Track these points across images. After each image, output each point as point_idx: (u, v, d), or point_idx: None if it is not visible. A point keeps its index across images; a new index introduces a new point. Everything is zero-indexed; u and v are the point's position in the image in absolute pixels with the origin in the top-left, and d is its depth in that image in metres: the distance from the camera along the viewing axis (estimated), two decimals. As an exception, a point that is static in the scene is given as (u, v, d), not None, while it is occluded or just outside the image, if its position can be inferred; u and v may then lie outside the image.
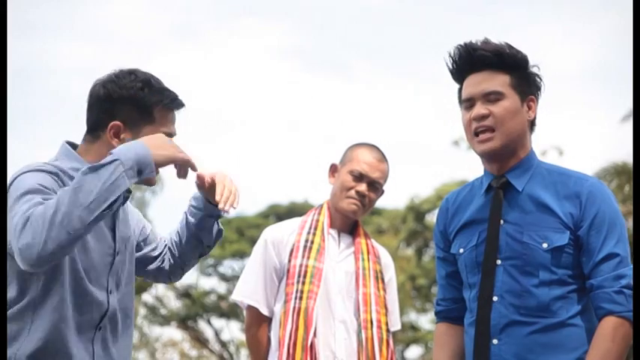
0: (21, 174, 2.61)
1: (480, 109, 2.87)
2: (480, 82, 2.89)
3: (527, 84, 2.90)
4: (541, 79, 2.95)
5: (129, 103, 2.70)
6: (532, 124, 2.94)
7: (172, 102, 2.75)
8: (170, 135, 2.74)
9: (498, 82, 2.87)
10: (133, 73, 2.73)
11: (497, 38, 2.90)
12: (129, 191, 2.75)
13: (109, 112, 2.70)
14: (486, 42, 2.90)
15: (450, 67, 2.93)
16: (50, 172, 2.62)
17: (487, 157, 2.90)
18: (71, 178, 2.66)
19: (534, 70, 2.93)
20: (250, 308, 4.01)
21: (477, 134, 2.88)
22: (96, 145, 2.73)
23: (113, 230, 2.75)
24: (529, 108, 2.91)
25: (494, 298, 2.84)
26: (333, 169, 4.09)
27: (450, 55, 2.92)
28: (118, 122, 2.69)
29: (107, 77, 2.74)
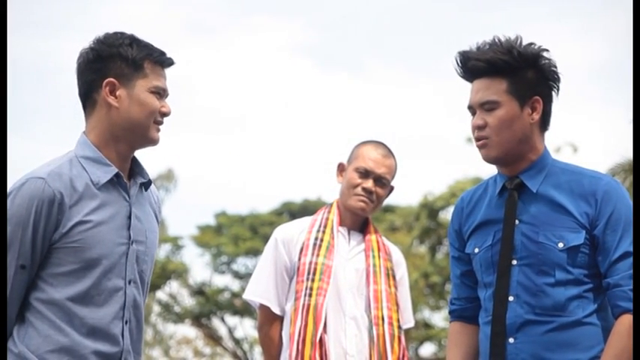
0: (32, 180, 2.64)
1: (477, 119, 2.86)
2: (477, 90, 2.87)
3: (529, 86, 2.84)
4: (555, 75, 2.90)
5: (119, 59, 2.72)
6: (544, 122, 2.89)
7: (161, 56, 2.77)
8: (163, 90, 2.76)
9: (494, 90, 2.84)
10: (118, 33, 2.76)
11: (509, 35, 2.86)
12: (149, 182, 2.81)
13: (101, 72, 2.72)
14: (480, 50, 2.84)
15: (457, 72, 2.92)
16: (50, 192, 2.61)
17: (490, 163, 2.90)
18: (81, 165, 2.68)
19: (545, 66, 2.87)
20: (262, 307, 4.02)
21: (478, 141, 2.88)
22: (95, 115, 2.74)
23: (129, 218, 2.73)
24: (533, 110, 2.85)
25: (510, 298, 2.83)
26: (341, 168, 4.09)
27: (455, 62, 2.90)
28: (111, 79, 2.71)
29: (93, 41, 2.76)
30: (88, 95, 2.74)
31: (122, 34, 2.76)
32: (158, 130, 2.76)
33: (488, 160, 2.88)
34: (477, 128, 2.86)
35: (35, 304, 2.63)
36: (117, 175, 2.71)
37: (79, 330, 2.63)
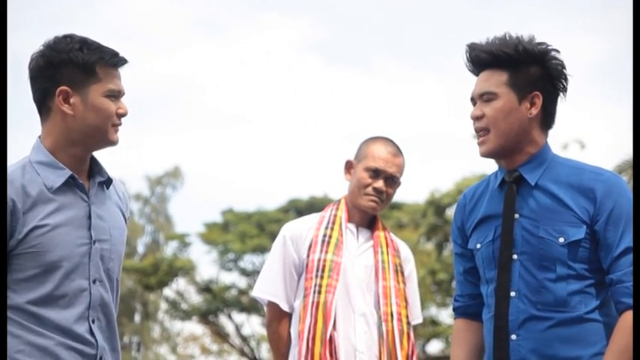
0: None
1: (475, 109, 2.89)
2: (480, 82, 2.90)
3: (530, 81, 2.86)
4: (562, 74, 2.90)
5: (71, 66, 2.69)
6: (545, 119, 2.90)
7: (113, 58, 2.73)
8: (118, 92, 2.73)
9: (494, 81, 2.87)
10: (68, 37, 2.72)
11: (517, 31, 2.88)
12: (109, 179, 2.79)
13: (53, 79, 2.69)
14: (484, 42, 2.88)
15: (465, 65, 2.94)
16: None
17: (488, 157, 2.91)
18: (35, 170, 2.68)
19: (552, 64, 2.88)
20: (271, 304, 4.02)
21: (477, 133, 2.90)
22: (50, 122, 2.73)
23: (89, 218, 2.73)
24: (532, 105, 2.87)
25: (512, 293, 2.84)
26: (349, 166, 4.08)
27: (464, 54, 2.93)
28: (64, 87, 2.69)
29: (43, 47, 2.72)
30: (42, 102, 2.73)
31: (72, 37, 2.72)
32: (116, 132, 2.74)
33: (486, 154, 2.89)
34: (475, 119, 2.89)
35: (6, 310, 2.63)
36: (72, 177, 2.71)
37: (48, 329, 2.64)
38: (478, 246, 2.94)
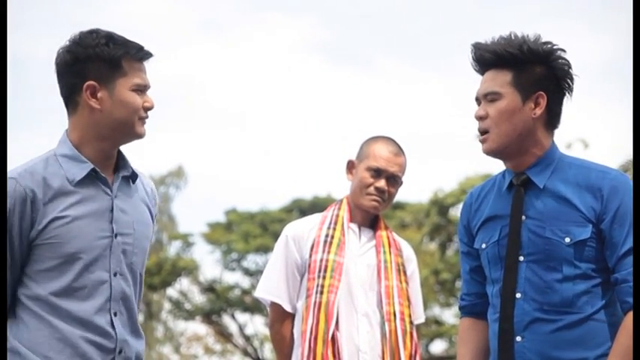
0: (8, 179, 2.67)
1: (479, 109, 2.89)
2: (484, 81, 2.90)
3: (534, 81, 2.85)
4: (567, 74, 2.89)
5: (97, 60, 2.71)
6: (551, 119, 2.89)
7: (138, 52, 2.76)
8: (144, 86, 2.77)
9: (498, 81, 2.86)
10: (94, 32, 2.74)
11: (522, 31, 2.87)
12: (135, 174, 2.82)
13: (80, 74, 2.72)
14: (490, 42, 2.87)
15: (471, 65, 2.94)
16: (20, 191, 2.65)
17: (490, 156, 2.90)
18: (59, 163, 2.71)
19: (557, 64, 2.87)
20: (273, 305, 4.02)
21: (480, 133, 2.89)
22: (77, 116, 2.76)
23: (112, 211, 2.76)
24: (536, 105, 2.86)
25: (517, 295, 2.83)
26: (351, 166, 4.07)
27: (469, 54, 2.93)
28: (91, 81, 2.72)
29: (69, 42, 2.75)
30: (69, 97, 2.76)
31: (98, 32, 2.75)
32: (143, 124, 2.78)
33: (488, 152, 2.89)
34: (479, 119, 2.88)
35: (23, 300, 2.68)
36: (94, 171, 2.74)
37: (67, 321, 2.67)
38: (483, 246, 2.93)
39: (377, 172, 3.98)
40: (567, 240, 2.80)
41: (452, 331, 23.62)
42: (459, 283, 22.60)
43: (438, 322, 24.46)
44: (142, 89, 2.76)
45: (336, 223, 4.01)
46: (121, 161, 2.82)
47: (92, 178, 2.74)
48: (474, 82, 2.94)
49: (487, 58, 2.87)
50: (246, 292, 27.14)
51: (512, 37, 2.87)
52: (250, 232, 26.71)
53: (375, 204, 3.99)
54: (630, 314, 2.75)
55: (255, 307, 26.48)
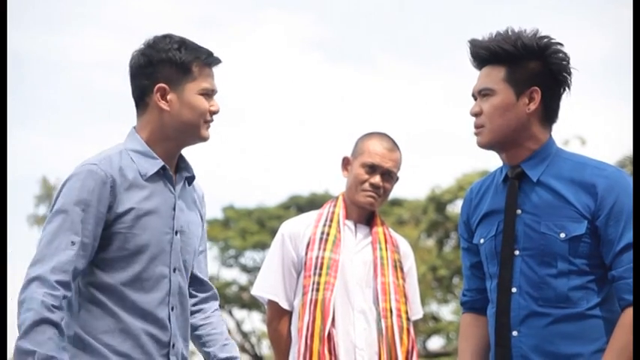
0: (82, 166, 2.76)
1: (474, 106, 2.90)
2: (479, 78, 2.91)
3: (528, 76, 2.85)
4: (564, 69, 2.89)
5: (168, 64, 2.82)
6: (547, 114, 2.89)
7: (208, 58, 2.86)
8: (212, 91, 2.86)
9: (492, 77, 2.87)
10: (167, 37, 2.86)
11: (520, 27, 2.87)
12: (193, 177, 2.93)
13: (152, 77, 2.83)
14: (486, 38, 2.88)
15: (470, 61, 2.95)
16: (103, 175, 2.74)
17: (484, 149, 2.91)
18: (130, 157, 2.81)
19: (553, 59, 2.87)
20: (271, 302, 4.02)
21: (475, 129, 2.91)
22: (146, 115, 2.86)
23: (174, 209, 2.85)
24: (530, 100, 2.86)
25: (513, 290, 2.83)
26: (346, 163, 4.08)
27: (467, 51, 2.93)
28: (162, 84, 2.82)
29: (143, 45, 2.87)
30: (140, 98, 2.86)
31: (171, 37, 2.86)
32: (208, 128, 2.87)
33: (482, 145, 2.90)
34: (474, 115, 2.90)
35: (88, 288, 2.75)
36: (163, 168, 2.84)
37: (131, 312, 2.74)
38: (482, 241, 2.94)
39: (372, 168, 3.98)
40: (562, 235, 2.80)
41: (449, 327, 23.65)
42: (456, 280, 22.63)
43: (435, 319, 24.47)
44: (209, 93, 2.86)
45: (331, 221, 4.01)
46: (181, 163, 2.92)
47: (160, 175, 2.84)
48: (472, 78, 2.94)
49: (482, 54, 2.88)
50: (243, 288, 27.15)
51: (509, 33, 2.87)
52: (248, 229, 26.72)
53: (371, 200, 3.99)
54: (627, 311, 2.75)
55: (252, 303, 26.50)
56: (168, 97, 2.82)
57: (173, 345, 2.81)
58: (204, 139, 2.88)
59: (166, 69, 2.83)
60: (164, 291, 2.80)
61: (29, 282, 2.64)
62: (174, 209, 2.85)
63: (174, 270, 2.83)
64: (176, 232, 2.84)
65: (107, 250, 2.75)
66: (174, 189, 2.86)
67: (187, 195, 2.93)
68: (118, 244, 2.75)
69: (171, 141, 2.86)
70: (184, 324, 2.88)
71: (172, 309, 2.82)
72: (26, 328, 2.60)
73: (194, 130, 2.85)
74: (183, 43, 2.85)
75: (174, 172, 2.89)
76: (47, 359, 2.58)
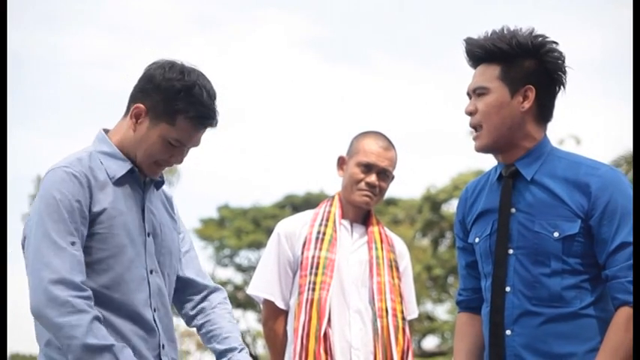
0: (53, 170, 2.71)
1: (469, 105, 2.90)
2: (474, 76, 2.91)
3: (523, 74, 2.85)
4: (559, 67, 2.88)
5: (161, 96, 2.73)
6: (541, 112, 2.88)
7: (197, 119, 2.75)
8: (180, 143, 2.76)
9: (486, 76, 2.87)
10: (184, 72, 2.75)
11: (516, 26, 2.87)
12: (163, 181, 2.88)
13: (143, 94, 2.76)
14: (481, 37, 2.88)
15: (465, 60, 2.94)
16: (78, 175, 2.69)
17: (482, 152, 2.90)
18: (99, 159, 2.75)
19: (548, 57, 2.86)
20: (266, 302, 4.01)
21: (471, 128, 2.90)
22: (123, 122, 2.81)
23: (143, 211, 2.81)
24: (525, 98, 2.85)
25: (507, 289, 2.83)
26: (341, 162, 4.06)
27: (462, 49, 2.93)
28: (143, 105, 2.75)
29: (165, 62, 2.78)
30: (128, 102, 2.81)
31: (186, 75, 2.73)
32: (158, 169, 2.81)
33: (481, 149, 2.89)
34: (468, 114, 2.89)
35: None
36: (131, 171, 2.78)
37: (119, 315, 2.70)
38: (477, 240, 2.94)
39: (367, 168, 3.98)
40: (556, 234, 2.80)
41: (444, 326, 23.67)
42: (451, 279, 22.64)
43: (430, 318, 24.50)
44: (178, 145, 2.76)
45: (327, 220, 4.00)
46: None
47: (128, 178, 2.78)
48: (467, 78, 2.94)
49: (477, 53, 2.88)
50: (238, 288, 27.16)
51: (504, 32, 2.87)
52: (243, 228, 26.73)
53: (367, 199, 3.98)
54: (621, 310, 2.75)
55: (247, 303, 26.49)
56: (140, 120, 2.76)
57: (163, 346, 2.79)
58: (150, 175, 2.82)
59: (157, 98, 2.74)
60: (146, 292, 2.76)
61: (54, 284, 2.58)
62: (143, 211, 2.80)
63: (151, 272, 2.78)
64: (148, 234, 2.79)
65: (89, 252, 2.69)
66: (143, 191, 2.82)
67: (156, 198, 2.88)
68: (98, 247, 2.70)
69: (132, 154, 2.80)
70: (169, 325, 2.83)
71: (155, 310, 2.78)
72: (85, 328, 2.56)
73: (141, 164, 2.79)
74: (189, 90, 2.73)
75: (143, 174, 2.83)
76: (123, 347, 2.60)
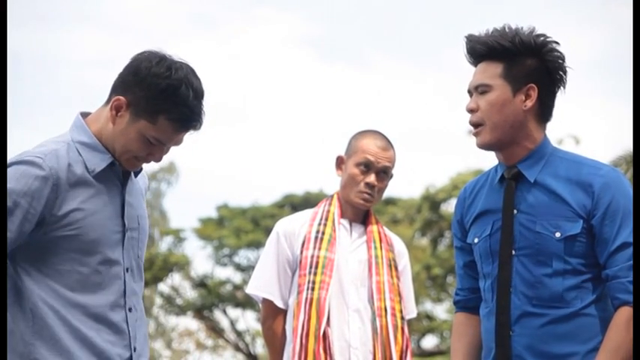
0: (14, 165, 2.58)
1: (470, 102, 2.88)
2: (476, 74, 2.90)
3: (525, 73, 2.84)
4: (560, 67, 2.88)
5: (144, 92, 2.61)
6: (542, 112, 2.88)
7: (180, 122, 2.64)
8: (159, 142, 2.66)
9: (488, 73, 2.86)
10: (172, 69, 2.63)
11: (515, 24, 2.87)
12: (140, 169, 2.76)
13: (126, 85, 2.64)
14: (483, 34, 2.87)
15: (465, 57, 2.93)
16: (47, 172, 2.57)
17: (484, 149, 2.89)
18: (77, 150, 2.64)
19: (549, 57, 2.86)
20: (265, 301, 4.01)
21: (472, 126, 2.89)
22: (103, 111, 2.69)
23: (123, 207, 2.71)
24: (527, 97, 2.85)
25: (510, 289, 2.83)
26: (340, 162, 4.06)
27: (463, 46, 2.92)
28: (125, 98, 2.63)
29: (153, 55, 2.65)
30: (110, 92, 2.69)
31: (173, 72, 2.61)
32: (137, 162, 2.70)
33: (482, 146, 2.88)
34: (470, 111, 2.88)
35: (41, 296, 2.59)
36: (112, 164, 2.69)
37: (83, 319, 2.61)
38: (476, 240, 2.93)
39: (366, 167, 3.97)
40: (557, 235, 2.80)
41: (443, 326, 23.66)
42: (450, 279, 22.64)
43: (429, 318, 24.49)
44: (156, 143, 2.66)
45: (327, 219, 4.00)
46: None
47: (108, 171, 2.68)
48: (466, 77, 2.94)
49: (479, 50, 2.87)
50: (237, 287, 27.14)
51: (507, 30, 2.87)
52: (242, 228, 26.70)
53: (366, 200, 3.98)
54: (621, 310, 2.75)
55: (246, 302, 26.49)
56: (120, 113, 2.63)
57: (135, 348, 2.69)
58: (129, 169, 2.71)
59: (140, 93, 2.61)
60: (118, 293, 2.67)
61: None
62: (123, 206, 2.70)
63: (128, 270, 2.69)
64: (127, 230, 2.70)
65: (54, 254, 2.60)
66: (122, 184, 2.71)
67: (135, 187, 2.77)
68: (65, 247, 2.60)
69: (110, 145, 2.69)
70: (143, 324, 2.75)
71: (130, 310, 2.69)
72: None
73: (119, 158, 2.67)
74: (174, 89, 2.60)
75: (123, 167, 2.72)
76: None
